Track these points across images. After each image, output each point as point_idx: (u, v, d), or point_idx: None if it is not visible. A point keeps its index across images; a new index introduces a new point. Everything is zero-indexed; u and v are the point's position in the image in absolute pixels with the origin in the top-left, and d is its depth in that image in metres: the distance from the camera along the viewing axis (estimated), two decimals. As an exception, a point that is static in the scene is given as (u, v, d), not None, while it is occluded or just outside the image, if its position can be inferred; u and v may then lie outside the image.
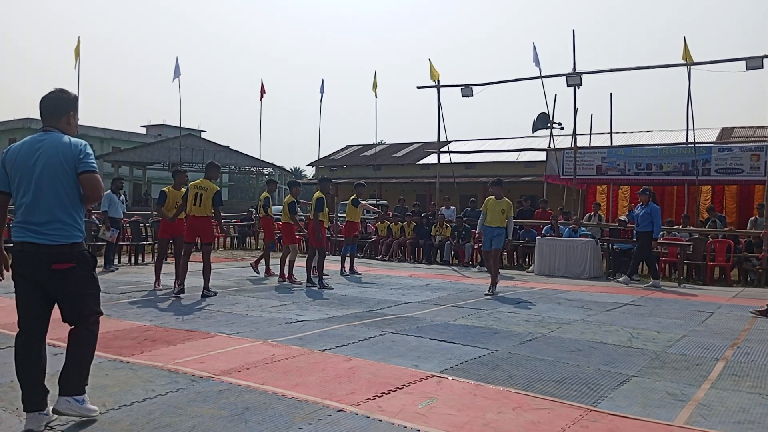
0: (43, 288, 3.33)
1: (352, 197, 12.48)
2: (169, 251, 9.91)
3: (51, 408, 3.38)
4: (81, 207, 3.43)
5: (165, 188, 9.30)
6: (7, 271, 3.53)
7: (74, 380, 3.39)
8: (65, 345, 3.51)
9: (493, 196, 9.67)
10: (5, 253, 3.52)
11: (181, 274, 8.53)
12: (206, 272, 8.49)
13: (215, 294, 8.49)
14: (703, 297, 9.73)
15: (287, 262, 10.50)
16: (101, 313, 3.58)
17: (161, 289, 8.92)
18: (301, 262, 11.21)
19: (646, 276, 13.02)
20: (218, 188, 8.61)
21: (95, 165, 3.39)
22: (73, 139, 3.40)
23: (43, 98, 3.46)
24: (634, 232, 12.04)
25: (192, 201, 8.49)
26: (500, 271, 13.69)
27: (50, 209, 3.29)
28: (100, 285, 3.60)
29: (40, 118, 3.50)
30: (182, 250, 8.78)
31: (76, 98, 3.57)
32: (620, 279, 11.73)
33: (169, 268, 9.54)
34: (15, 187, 3.35)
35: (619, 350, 5.57)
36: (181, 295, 8.28)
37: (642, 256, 11.65)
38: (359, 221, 12.96)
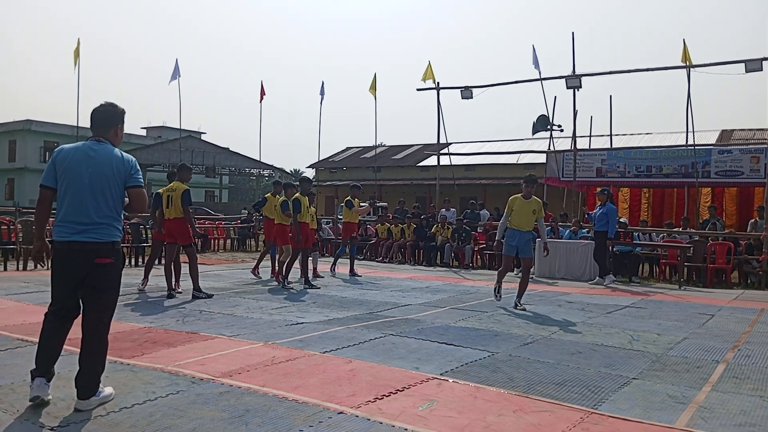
0: (81, 281, 3.66)
1: (346, 199, 12.52)
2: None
3: (74, 406, 3.63)
4: (122, 211, 3.82)
5: (160, 190, 9.29)
6: (48, 258, 3.83)
7: (91, 384, 3.66)
8: (73, 348, 3.62)
9: (519, 195, 8.40)
10: (48, 243, 3.82)
11: (169, 277, 8.59)
12: (192, 273, 8.49)
13: (209, 296, 8.43)
14: (703, 299, 9.72)
15: (278, 263, 10.54)
16: (110, 321, 3.83)
17: (142, 290, 8.99)
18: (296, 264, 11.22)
19: (646, 278, 13.04)
20: (186, 188, 8.52)
21: (142, 180, 3.85)
22: (125, 155, 3.81)
23: (94, 110, 3.85)
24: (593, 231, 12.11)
25: (165, 204, 8.56)
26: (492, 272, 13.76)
27: (99, 212, 3.67)
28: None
29: (90, 128, 3.88)
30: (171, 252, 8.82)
31: (123, 112, 3.95)
32: (593, 282, 11.70)
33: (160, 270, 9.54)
34: (63, 188, 3.68)
35: (620, 353, 5.56)
36: (171, 298, 8.30)
37: (599, 255, 11.69)
38: (357, 222, 12.90)
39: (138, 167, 3.85)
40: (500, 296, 8.50)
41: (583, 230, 13.66)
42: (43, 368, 3.67)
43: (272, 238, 11.28)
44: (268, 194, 11.72)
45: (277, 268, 10.93)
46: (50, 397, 3.67)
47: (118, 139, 3.90)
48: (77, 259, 3.63)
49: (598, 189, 12.37)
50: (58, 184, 3.69)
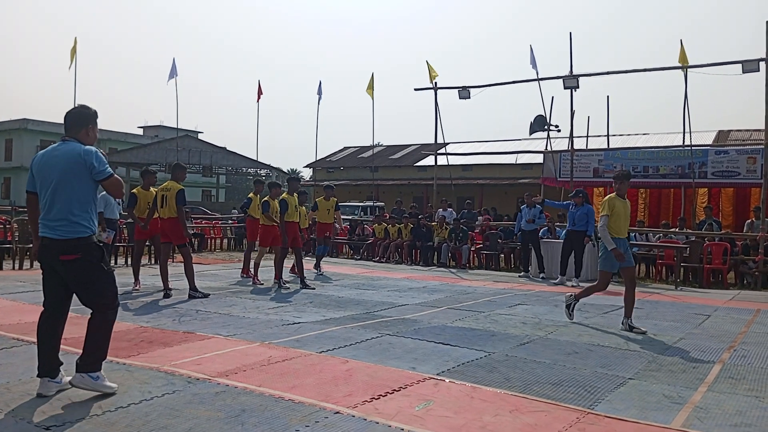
0: (59, 275, 3.87)
1: (316, 200, 12.67)
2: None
3: (68, 379, 3.89)
4: (91, 207, 3.93)
5: (134, 190, 9.25)
6: None
7: (87, 359, 3.83)
8: (69, 348, 3.86)
9: (614, 195, 6.96)
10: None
11: (164, 277, 8.57)
12: (187, 273, 8.47)
13: (206, 296, 8.41)
14: (699, 300, 9.74)
15: (252, 263, 10.72)
16: (114, 303, 4.00)
17: (138, 290, 8.97)
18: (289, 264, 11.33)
19: (642, 278, 13.05)
20: (181, 187, 8.45)
21: (108, 169, 3.92)
22: (85, 149, 3.88)
23: (67, 113, 4.01)
24: (566, 230, 11.99)
25: (159, 204, 8.53)
26: (496, 273, 13.82)
27: (62, 209, 3.81)
28: (113, 275, 4.05)
29: (64, 129, 4.03)
30: (160, 251, 8.81)
31: (95, 113, 4.10)
32: (555, 281, 11.65)
33: (153, 270, 9.49)
34: (38, 189, 3.93)
35: (616, 353, 5.57)
36: (167, 298, 8.27)
37: (579, 255, 11.64)
38: (329, 223, 12.70)
39: (99, 157, 3.89)
40: (573, 315, 7.27)
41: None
42: (44, 368, 3.87)
43: (255, 238, 11.33)
44: (251, 194, 11.71)
45: (274, 269, 10.90)
46: (66, 381, 3.92)
47: (90, 138, 4.03)
48: (49, 254, 3.85)
49: (573, 191, 12.32)
50: (37, 187, 3.94)
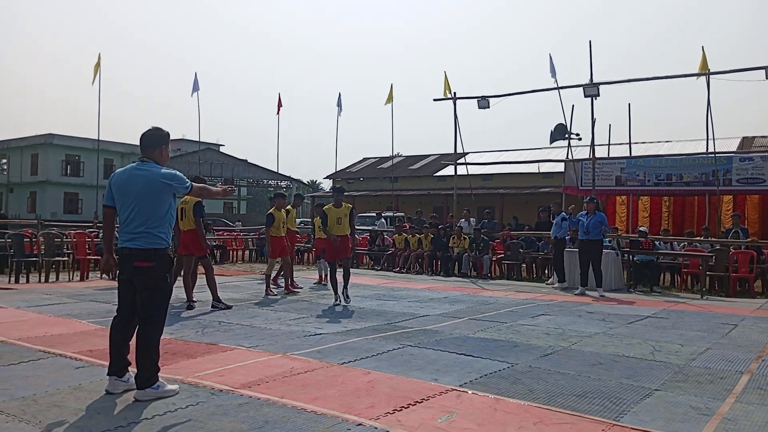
0: (131, 282, 4.25)
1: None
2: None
3: (133, 394, 4.13)
4: (168, 222, 4.36)
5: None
6: (116, 268, 4.44)
7: (144, 375, 4.10)
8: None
9: None
10: (114, 256, 4.48)
11: (188, 288, 8.64)
12: (210, 285, 8.57)
13: (228, 307, 8.47)
14: (726, 309, 9.58)
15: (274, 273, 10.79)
16: (162, 315, 4.31)
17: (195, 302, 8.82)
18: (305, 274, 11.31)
19: (667, 288, 12.88)
20: (198, 200, 8.43)
21: (188, 183, 4.44)
22: (163, 172, 4.33)
23: (142, 134, 4.43)
24: (579, 239, 11.68)
25: (179, 216, 8.52)
26: (518, 283, 13.70)
27: (143, 223, 4.23)
28: (171, 289, 4.49)
29: (139, 149, 4.48)
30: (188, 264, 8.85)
31: (167, 134, 4.55)
32: (576, 292, 11.42)
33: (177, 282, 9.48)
34: (119, 204, 4.33)
35: (642, 363, 5.49)
36: (190, 309, 8.31)
37: (597, 265, 11.37)
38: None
39: (179, 177, 4.39)
40: None
41: (606, 239, 13.51)
42: (112, 367, 4.26)
43: (279, 255, 11.36)
44: (272, 210, 11.51)
45: (288, 280, 10.92)
46: (126, 382, 4.25)
47: (163, 158, 4.47)
48: (125, 262, 4.27)
49: (586, 198, 12.17)
50: (115, 202, 4.33)
